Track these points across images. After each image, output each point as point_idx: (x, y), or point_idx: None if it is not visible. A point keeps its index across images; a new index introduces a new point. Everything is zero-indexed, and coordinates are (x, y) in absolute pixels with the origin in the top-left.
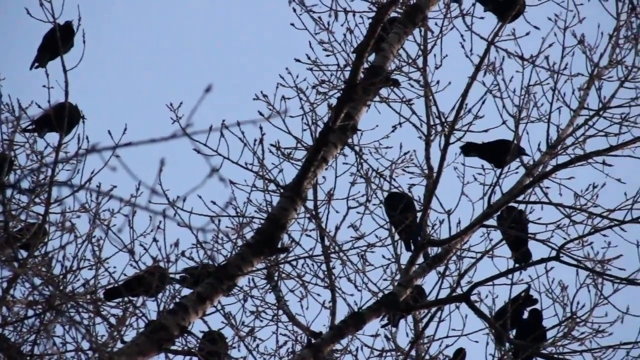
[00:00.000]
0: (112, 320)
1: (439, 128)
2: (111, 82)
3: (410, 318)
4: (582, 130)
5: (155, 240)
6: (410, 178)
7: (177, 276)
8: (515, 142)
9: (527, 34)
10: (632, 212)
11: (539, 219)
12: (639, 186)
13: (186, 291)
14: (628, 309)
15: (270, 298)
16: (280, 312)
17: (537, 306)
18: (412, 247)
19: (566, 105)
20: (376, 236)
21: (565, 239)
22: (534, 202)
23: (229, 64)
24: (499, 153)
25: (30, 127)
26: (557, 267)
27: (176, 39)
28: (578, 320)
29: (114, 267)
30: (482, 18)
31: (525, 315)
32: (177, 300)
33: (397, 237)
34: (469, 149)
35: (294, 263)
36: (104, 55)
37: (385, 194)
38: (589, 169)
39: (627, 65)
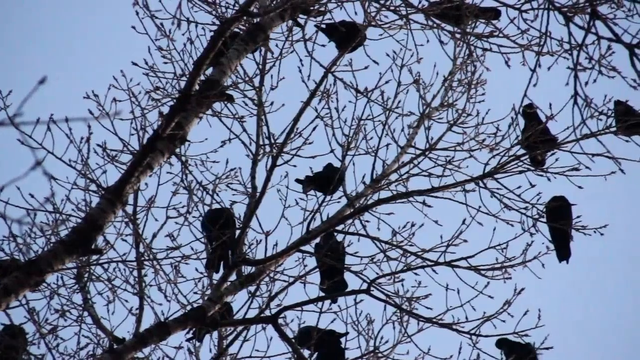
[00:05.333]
0: None
1: (268, 149)
2: None
3: (215, 334)
4: (407, 168)
5: None
6: (233, 195)
7: None
8: (340, 171)
9: (366, 67)
10: (445, 255)
11: (356, 252)
12: (455, 230)
13: None
14: (429, 349)
15: (77, 298)
16: (86, 313)
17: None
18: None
19: (394, 142)
20: (192, 248)
21: (377, 273)
22: (352, 233)
23: (67, 58)
24: (326, 181)
25: None
26: (367, 301)
27: (19, 26)
28: (380, 355)
29: None
30: (323, 46)
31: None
32: None
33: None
34: (307, 182)
35: (105, 266)
36: None
37: (207, 208)
38: (409, 207)
39: (458, 109)
